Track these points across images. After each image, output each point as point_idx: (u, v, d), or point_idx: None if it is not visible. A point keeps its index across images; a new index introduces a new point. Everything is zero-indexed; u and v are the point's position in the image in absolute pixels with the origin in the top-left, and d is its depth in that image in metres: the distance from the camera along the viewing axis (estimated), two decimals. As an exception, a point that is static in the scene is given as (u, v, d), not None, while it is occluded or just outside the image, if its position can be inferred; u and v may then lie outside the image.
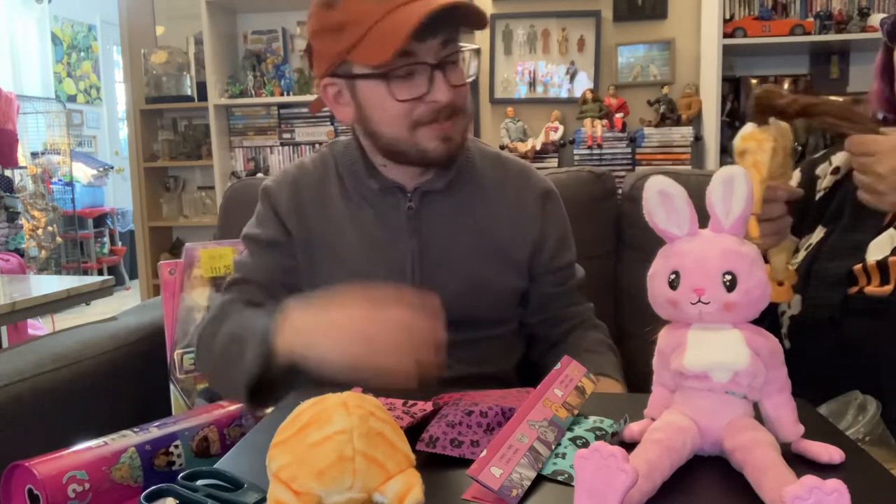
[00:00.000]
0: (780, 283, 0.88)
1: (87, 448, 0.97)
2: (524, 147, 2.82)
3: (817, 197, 1.03)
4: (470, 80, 0.96)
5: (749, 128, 0.84)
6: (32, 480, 0.90)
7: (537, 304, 1.09)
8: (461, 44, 0.94)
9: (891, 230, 0.91)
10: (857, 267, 0.91)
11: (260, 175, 3.24)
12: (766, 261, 0.88)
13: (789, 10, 2.81)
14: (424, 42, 0.88)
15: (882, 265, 0.89)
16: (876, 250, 0.91)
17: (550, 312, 1.09)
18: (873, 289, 0.89)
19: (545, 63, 3.01)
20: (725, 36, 2.65)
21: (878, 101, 1.02)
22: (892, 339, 0.87)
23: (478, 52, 0.97)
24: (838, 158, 1.02)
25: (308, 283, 1.01)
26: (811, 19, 2.69)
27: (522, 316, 1.10)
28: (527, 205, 1.06)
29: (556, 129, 2.88)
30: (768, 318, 0.98)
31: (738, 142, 0.84)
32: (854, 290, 0.91)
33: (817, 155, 1.09)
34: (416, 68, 0.90)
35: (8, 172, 4.45)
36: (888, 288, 0.88)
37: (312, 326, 0.86)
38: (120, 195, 6.24)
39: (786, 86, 2.84)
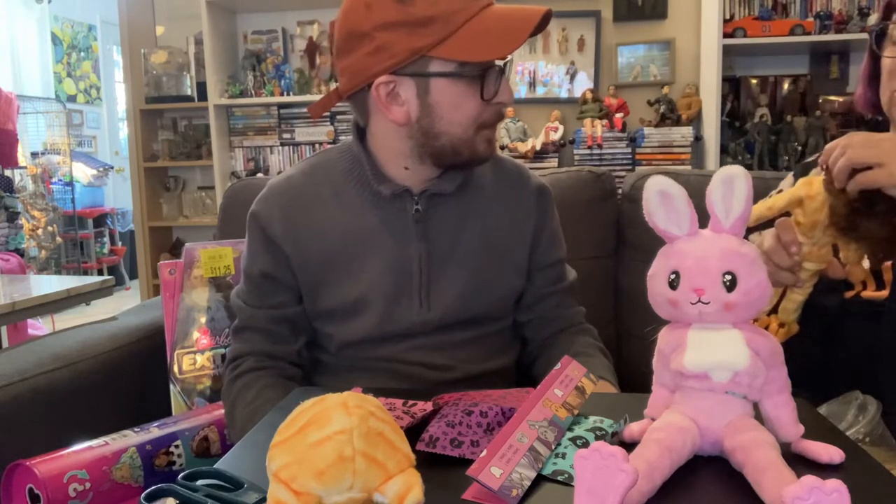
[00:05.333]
0: (781, 325, 0.87)
1: (88, 448, 0.97)
2: (524, 147, 2.82)
3: None
4: None
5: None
6: (33, 480, 0.90)
7: (529, 304, 1.09)
8: None
9: None
10: None
11: (260, 175, 3.24)
12: (781, 297, 0.86)
13: (789, 10, 2.81)
14: None
15: (876, 270, 0.89)
16: None
17: (540, 313, 1.10)
18: (870, 293, 0.89)
19: (545, 63, 3.01)
20: (725, 36, 2.65)
21: (864, 105, 1.03)
22: (891, 341, 0.87)
23: (511, 61, 0.98)
24: None
25: (311, 301, 1.01)
26: (811, 19, 2.69)
27: (515, 314, 1.10)
28: (523, 202, 1.07)
29: (556, 129, 2.88)
30: None
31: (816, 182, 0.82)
32: (850, 294, 0.91)
33: (811, 158, 1.09)
34: (488, 71, 0.91)
35: (8, 172, 4.44)
36: (885, 292, 0.88)
37: None
38: (120, 195, 6.23)
39: (786, 86, 2.84)
